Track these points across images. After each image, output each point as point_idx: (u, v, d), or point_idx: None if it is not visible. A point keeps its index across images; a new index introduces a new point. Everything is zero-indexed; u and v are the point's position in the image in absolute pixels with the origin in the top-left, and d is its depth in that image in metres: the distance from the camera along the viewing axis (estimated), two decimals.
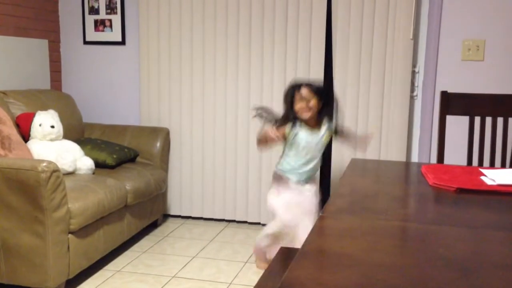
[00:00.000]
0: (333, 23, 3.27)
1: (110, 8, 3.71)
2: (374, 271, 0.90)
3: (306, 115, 2.62)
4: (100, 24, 3.75)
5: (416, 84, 3.28)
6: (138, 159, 3.47)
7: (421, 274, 0.89)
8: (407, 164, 2.25)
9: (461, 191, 1.44)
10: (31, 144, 2.87)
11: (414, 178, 1.72)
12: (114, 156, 3.19)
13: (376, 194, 1.43)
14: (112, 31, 3.74)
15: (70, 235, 2.43)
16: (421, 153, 3.28)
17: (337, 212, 1.24)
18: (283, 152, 2.76)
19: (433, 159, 3.17)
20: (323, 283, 0.85)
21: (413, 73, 3.25)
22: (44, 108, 3.12)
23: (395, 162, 2.07)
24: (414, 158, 3.33)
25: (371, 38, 3.20)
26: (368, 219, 1.20)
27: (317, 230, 1.13)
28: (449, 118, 2.22)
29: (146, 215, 3.24)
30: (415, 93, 3.29)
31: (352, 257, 0.96)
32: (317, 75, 3.31)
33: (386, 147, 3.28)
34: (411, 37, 3.13)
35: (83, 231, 2.53)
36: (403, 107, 3.21)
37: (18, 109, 3.02)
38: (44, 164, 2.27)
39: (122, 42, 3.73)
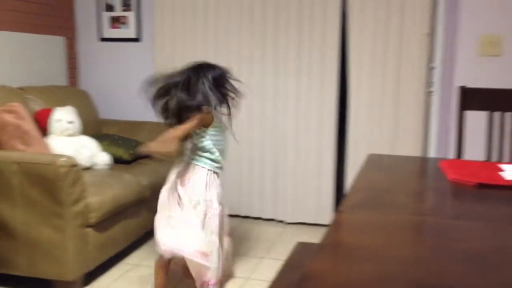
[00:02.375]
0: (348, 18, 3.26)
1: (126, 5, 3.74)
2: (392, 264, 0.90)
3: None
4: (115, 21, 3.79)
5: (433, 80, 3.25)
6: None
7: (439, 268, 0.89)
8: (424, 159, 2.24)
9: (480, 186, 1.43)
10: (50, 139, 2.91)
11: (431, 173, 1.71)
12: (131, 152, 3.22)
13: (394, 189, 1.43)
14: (127, 28, 3.77)
15: (88, 229, 2.47)
16: (439, 148, 3.25)
17: (354, 207, 1.25)
18: None
19: (451, 155, 3.14)
20: (341, 276, 0.85)
21: (430, 68, 3.22)
22: (62, 104, 3.16)
23: (412, 157, 2.06)
24: (431, 154, 3.30)
25: (386, 33, 3.18)
26: (386, 214, 1.20)
27: (335, 225, 1.13)
28: (467, 114, 2.20)
29: None
30: (432, 89, 3.26)
31: (370, 251, 0.96)
32: (331, 73, 3.30)
33: (402, 143, 3.26)
34: (427, 32, 3.10)
35: (101, 225, 2.56)
36: (418, 103, 3.18)
37: (37, 105, 3.07)
38: (63, 158, 2.30)
39: (138, 39, 3.76)
